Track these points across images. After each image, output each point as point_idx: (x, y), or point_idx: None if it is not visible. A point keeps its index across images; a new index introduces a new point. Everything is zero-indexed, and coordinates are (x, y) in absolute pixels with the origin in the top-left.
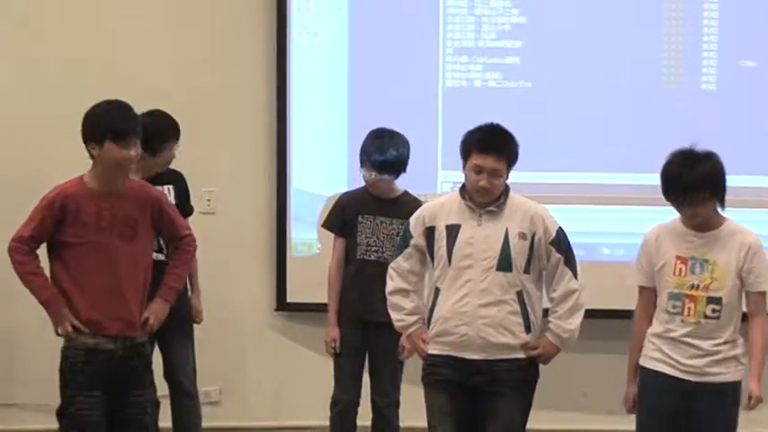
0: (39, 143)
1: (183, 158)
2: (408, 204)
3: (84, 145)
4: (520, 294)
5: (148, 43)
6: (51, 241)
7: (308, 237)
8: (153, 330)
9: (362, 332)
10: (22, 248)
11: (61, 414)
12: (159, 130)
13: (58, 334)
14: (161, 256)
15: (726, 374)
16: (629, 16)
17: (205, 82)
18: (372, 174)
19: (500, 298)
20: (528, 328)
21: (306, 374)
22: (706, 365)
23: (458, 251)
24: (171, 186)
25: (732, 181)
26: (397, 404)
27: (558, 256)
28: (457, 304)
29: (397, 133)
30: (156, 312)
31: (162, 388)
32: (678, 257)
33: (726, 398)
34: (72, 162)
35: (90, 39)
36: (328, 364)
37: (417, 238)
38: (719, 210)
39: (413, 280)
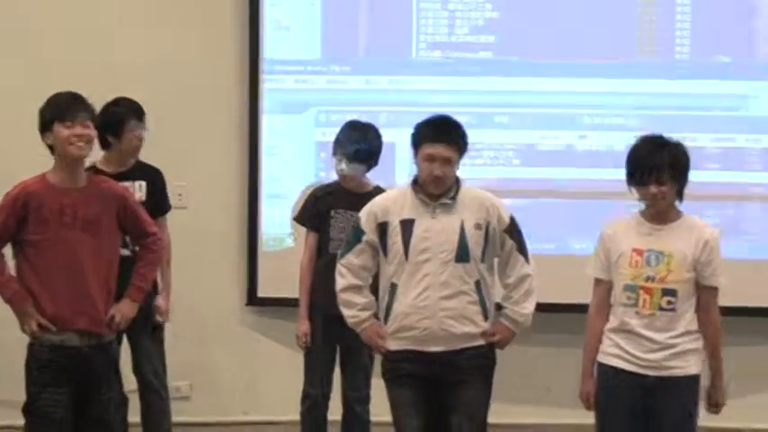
0: (6, 142)
1: (154, 153)
2: None
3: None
4: (478, 284)
5: (120, 39)
6: (16, 239)
7: (279, 232)
8: (119, 329)
9: (333, 327)
10: None
11: (26, 410)
12: (116, 114)
13: (24, 331)
14: (126, 252)
15: (685, 368)
16: (603, 12)
17: (177, 77)
18: (343, 164)
19: (459, 289)
20: (485, 316)
21: (276, 369)
22: (664, 359)
23: (414, 245)
24: (143, 182)
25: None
26: (367, 399)
27: (512, 243)
28: (417, 299)
29: (371, 126)
30: (123, 311)
31: (131, 383)
32: (635, 249)
33: (686, 391)
34: (40, 160)
35: (60, 37)
36: (299, 359)
37: (370, 235)
38: (677, 203)
39: (364, 276)
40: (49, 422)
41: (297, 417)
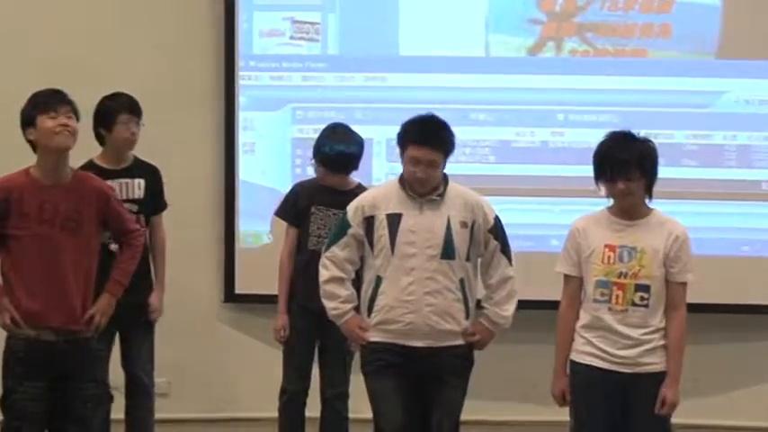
0: None
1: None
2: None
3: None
4: (462, 282)
5: (93, 37)
6: None
7: (256, 228)
8: (99, 327)
9: (312, 322)
10: None
11: (2, 404)
12: (108, 107)
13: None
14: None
15: (659, 364)
16: None
17: (153, 75)
18: (321, 169)
19: (445, 285)
20: (467, 315)
21: (255, 366)
22: (638, 356)
23: (401, 240)
24: (142, 180)
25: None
26: (346, 395)
27: (496, 243)
28: (403, 292)
29: (350, 131)
30: (102, 308)
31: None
32: (607, 245)
33: (659, 387)
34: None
35: (35, 36)
36: (277, 356)
37: (356, 228)
38: (647, 200)
39: (348, 268)
40: (25, 416)
41: (275, 413)
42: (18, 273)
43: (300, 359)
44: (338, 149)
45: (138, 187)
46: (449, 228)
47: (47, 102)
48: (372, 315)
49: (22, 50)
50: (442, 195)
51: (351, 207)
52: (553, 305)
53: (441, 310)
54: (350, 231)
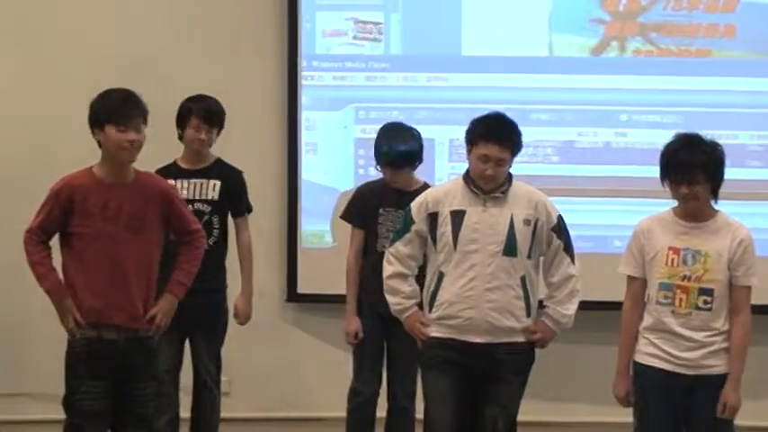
0: (53, 137)
1: None
2: None
3: (92, 134)
4: (523, 279)
5: (158, 38)
6: (62, 232)
7: (318, 228)
8: (162, 328)
9: (382, 324)
10: (31, 239)
11: (65, 403)
12: (183, 107)
13: (65, 327)
14: None
15: (721, 366)
16: None
17: (216, 76)
18: (386, 171)
19: (506, 282)
20: (528, 313)
21: (316, 365)
22: (701, 358)
23: (464, 236)
24: (217, 182)
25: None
26: (414, 395)
27: (559, 242)
28: (463, 288)
29: (406, 128)
30: (163, 309)
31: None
32: (671, 248)
33: (722, 390)
34: (85, 155)
35: (98, 35)
36: (339, 355)
37: (419, 224)
38: (713, 202)
39: (411, 264)
40: (87, 415)
41: (336, 413)
42: (81, 271)
43: (372, 361)
44: (399, 149)
45: (212, 188)
46: (512, 225)
47: (118, 111)
48: (433, 310)
49: (87, 49)
50: (505, 193)
51: (414, 203)
52: (616, 306)
53: (500, 306)
54: (413, 228)
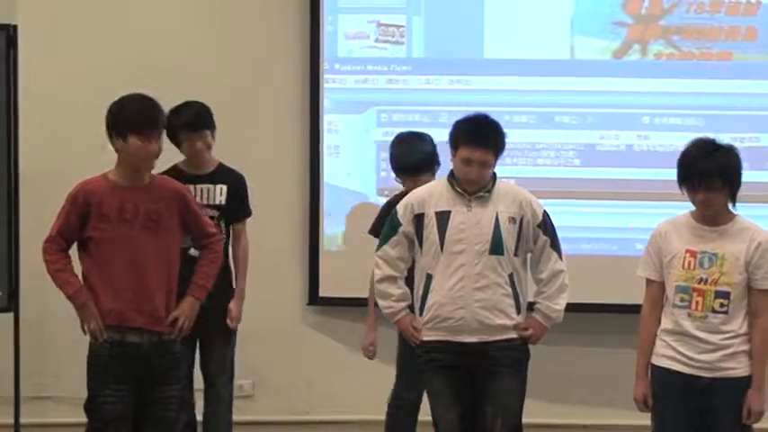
0: (77, 142)
1: (215, 154)
2: None
3: (108, 138)
4: (511, 277)
5: (181, 40)
6: (80, 238)
7: (340, 231)
8: (184, 330)
9: None
10: (51, 247)
11: (87, 407)
12: (170, 124)
13: (84, 331)
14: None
15: (739, 369)
16: None
17: (238, 77)
18: (407, 181)
19: (494, 281)
20: (518, 310)
21: (338, 368)
22: (718, 360)
23: (450, 237)
24: (224, 186)
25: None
26: None
27: (545, 238)
28: (452, 289)
29: (417, 135)
30: (186, 311)
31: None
32: (688, 251)
33: (740, 392)
34: (102, 159)
35: (122, 36)
36: (361, 359)
37: (406, 226)
38: (731, 206)
39: (401, 266)
40: (109, 419)
41: (359, 416)
42: (100, 274)
43: (416, 366)
44: (412, 158)
45: (219, 193)
46: (497, 223)
47: (142, 122)
48: (424, 313)
49: (110, 54)
50: (490, 192)
51: (400, 206)
52: (638, 309)
53: (490, 305)
54: (401, 230)
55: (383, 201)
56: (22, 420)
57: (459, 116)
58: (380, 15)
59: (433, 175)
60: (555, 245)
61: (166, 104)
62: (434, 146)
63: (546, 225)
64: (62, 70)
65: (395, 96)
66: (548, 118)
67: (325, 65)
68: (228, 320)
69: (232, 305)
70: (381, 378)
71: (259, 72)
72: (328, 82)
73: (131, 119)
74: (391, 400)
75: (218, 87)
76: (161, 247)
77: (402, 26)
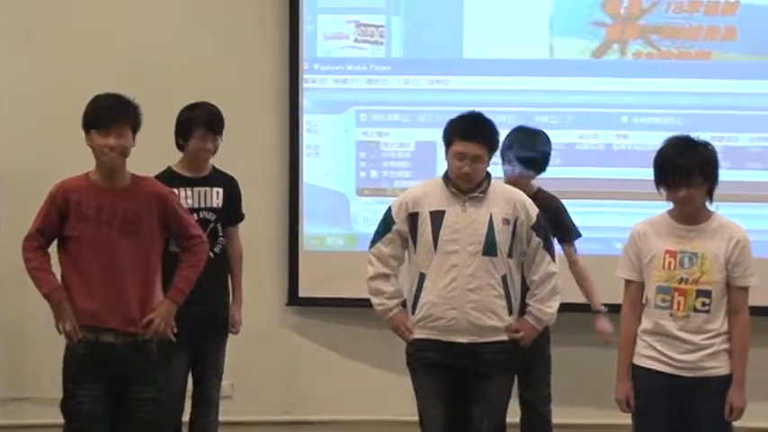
0: (55, 141)
1: None
2: (545, 201)
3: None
4: (504, 278)
5: (158, 40)
6: (59, 236)
7: (320, 231)
8: (159, 333)
9: None
10: (30, 245)
11: (63, 407)
12: (185, 117)
13: (59, 330)
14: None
15: (720, 368)
16: None
17: (217, 78)
18: (517, 169)
19: (487, 282)
20: (510, 311)
21: (317, 369)
22: (700, 360)
23: (443, 236)
24: (220, 189)
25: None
26: (549, 399)
27: (538, 240)
28: (445, 289)
29: (540, 131)
30: (162, 313)
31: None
32: (667, 251)
33: (722, 392)
34: (79, 157)
35: (100, 35)
36: (339, 359)
37: (400, 224)
38: (708, 204)
39: (393, 264)
40: (85, 419)
41: (337, 416)
42: (77, 274)
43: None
44: (533, 147)
45: (216, 196)
46: (491, 225)
47: (101, 117)
48: (416, 311)
49: (87, 53)
50: (484, 192)
51: (395, 204)
52: (618, 308)
53: (482, 306)
54: (394, 228)
55: (363, 201)
56: (1, 422)
57: (439, 116)
58: (360, 15)
59: (536, 175)
60: (548, 247)
61: (142, 104)
62: (551, 150)
63: (539, 227)
64: (42, 71)
65: (374, 96)
66: (527, 117)
67: (304, 65)
68: (232, 326)
69: (234, 311)
70: (360, 378)
71: (238, 72)
72: (308, 82)
73: (92, 114)
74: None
75: (196, 86)
76: (139, 250)
77: (381, 26)
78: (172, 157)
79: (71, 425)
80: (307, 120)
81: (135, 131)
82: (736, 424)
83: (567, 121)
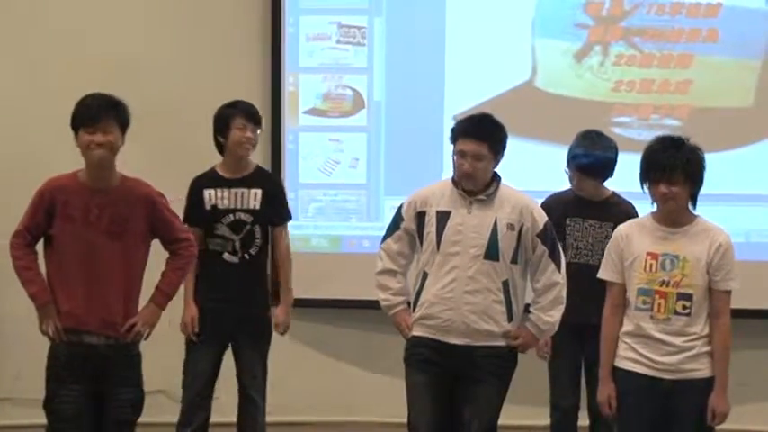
0: (43, 141)
1: (176, 156)
2: (618, 207)
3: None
4: (506, 284)
5: (140, 40)
6: (45, 235)
7: (305, 233)
8: (140, 337)
9: (575, 335)
10: (18, 243)
11: (45, 407)
12: (222, 113)
13: (42, 331)
14: (235, 258)
15: (701, 370)
16: None
17: (198, 80)
18: (575, 176)
19: (486, 286)
20: (510, 317)
21: (300, 370)
22: (681, 362)
23: (447, 237)
24: (258, 190)
25: None
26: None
27: (543, 248)
28: (443, 290)
29: (604, 136)
30: (144, 317)
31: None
32: (649, 253)
33: (703, 393)
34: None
35: (90, 36)
36: (322, 360)
37: (408, 222)
38: (691, 207)
39: (401, 262)
40: (65, 418)
41: (319, 417)
42: (60, 275)
43: (570, 373)
44: (593, 153)
45: (253, 198)
46: (495, 229)
47: (87, 116)
48: (416, 309)
49: (77, 52)
50: (491, 196)
51: (405, 202)
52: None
53: (479, 309)
54: (403, 225)
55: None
56: None
57: None
58: (342, 16)
59: (603, 181)
60: (554, 256)
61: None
62: (617, 156)
63: (546, 235)
64: (29, 72)
65: None
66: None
67: (286, 65)
68: (275, 326)
69: (279, 312)
70: (343, 380)
71: (220, 73)
72: (290, 84)
73: (77, 115)
74: (551, 411)
75: (177, 88)
76: (123, 252)
77: (363, 27)
78: (154, 158)
79: (54, 425)
80: (289, 122)
81: (123, 130)
82: (719, 428)
83: None
